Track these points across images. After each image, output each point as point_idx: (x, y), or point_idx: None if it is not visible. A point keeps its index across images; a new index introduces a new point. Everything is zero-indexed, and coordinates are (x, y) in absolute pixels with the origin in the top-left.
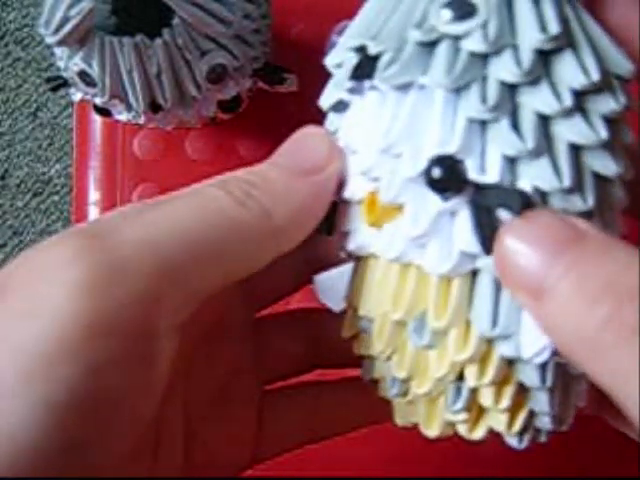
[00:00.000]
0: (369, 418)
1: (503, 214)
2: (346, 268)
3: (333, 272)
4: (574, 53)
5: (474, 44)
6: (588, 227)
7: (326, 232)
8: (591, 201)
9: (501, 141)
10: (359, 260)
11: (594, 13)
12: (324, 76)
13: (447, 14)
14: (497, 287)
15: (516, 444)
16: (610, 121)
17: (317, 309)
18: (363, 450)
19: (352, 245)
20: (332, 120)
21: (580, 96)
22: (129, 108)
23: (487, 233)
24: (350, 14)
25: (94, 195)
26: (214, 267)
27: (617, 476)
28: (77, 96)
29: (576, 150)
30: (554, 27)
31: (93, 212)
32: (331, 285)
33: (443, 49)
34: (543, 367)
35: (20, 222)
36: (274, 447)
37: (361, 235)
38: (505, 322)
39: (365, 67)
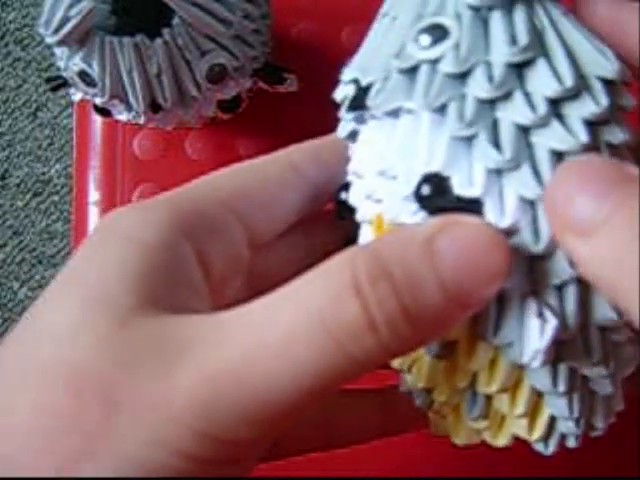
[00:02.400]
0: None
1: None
2: None
3: None
4: (547, 61)
5: (447, 66)
6: (636, 170)
7: None
8: None
9: (482, 155)
10: None
11: (580, 16)
12: (324, 76)
13: (425, 40)
14: (500, 295)
15: (542, 449)
16: (593, 124)
17: None
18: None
19: None
20: (350, 149)
21: (556, 103)
22: (129, 108)
23: None
24: (350, 14)
25: (94, 195)
26: None
27: (617, 476)
28: (77, 96)
29: (558, 156)
30: (523, 39)
31: (93, 212)
32: None
33: (422, 73)
34: (554, 371)
35: (20, 222)
36: (290, 447)
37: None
38: (507, 330)
39: (359, 98)
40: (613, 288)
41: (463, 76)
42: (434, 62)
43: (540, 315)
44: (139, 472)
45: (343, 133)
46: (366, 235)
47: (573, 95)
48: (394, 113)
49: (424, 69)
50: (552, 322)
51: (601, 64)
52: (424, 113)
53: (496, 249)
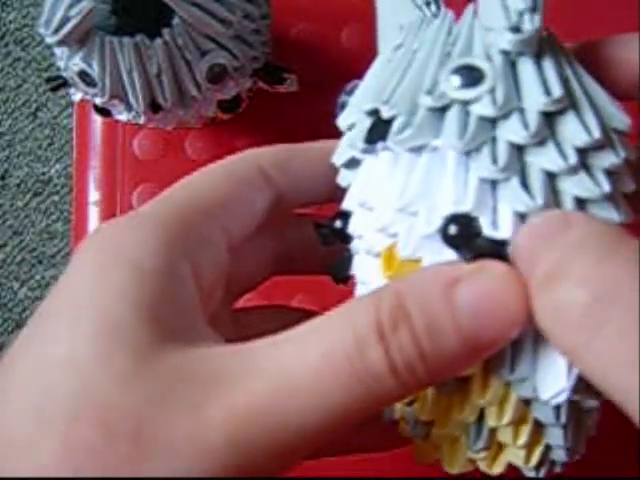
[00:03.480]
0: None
1: None
2: None
3: None
4: (576, 113)
5: (484, 109)
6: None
7: (340, 281)
8: None
9: (512, 199)
10: None
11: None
12: (324, 76)
13: (456, 80)
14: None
15: (534, 475)
16: (611, 173)
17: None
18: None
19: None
20: (344, 175)
21: (583, 153)
22: (129, 108)
23: None
24: (350, 14)
25: (94, 195)
26: None
27: (617, 476)
28: (77, 96)
29: (581, 203)
30: (557, 90)
31: (93, 212)
32: None
33: (454, 113)
34: (558, 405)
35: (20, 222)
36: None
37: (378, 286)
38: (522, 366)
39: (379, 130)
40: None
41: (495, 120)
42: (466, 103)
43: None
44: None
45: (340, 160)
46: (373, 267)
47: (599, 146)
48: (415, 149)
49: (455, 109)
50: None
51: (616, 116)
52: (450, 152)
53: (514, 299)
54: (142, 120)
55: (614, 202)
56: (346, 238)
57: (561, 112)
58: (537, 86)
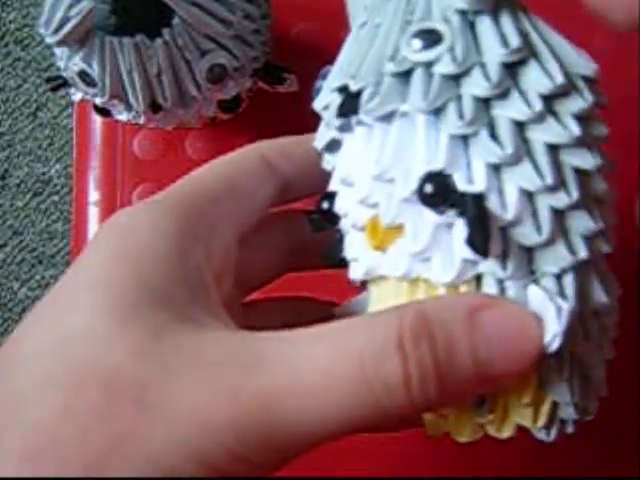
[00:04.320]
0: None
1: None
2: (362, 296)
3: (351, 302)
4: (537, 62)
5: (445, 67)
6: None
7: (332, 263)
8: (575, 195)
9: (483, 151)
10: (370, 285)
11: None
12: None
13: (417, 44)
14: (501, 288)
15: (545, 437)
16: (581, 119)
17: (295, 211)
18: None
19: (361, 271)
20: (328, 160)
21: (549, 100)
22: (129, 108)
23: (480, 239)
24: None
25: (94, 195)
26: None
27: (617, 476)
28: (77, 96)
29: (554, 149)
30: (515, 41)
31: (93, 212)
32: (352, 314)
33: (418, 76)
34: (559, 358)
35: (20, 222)
36: None
37: (368, 260)
38: None
39: (349, 104)
40: None
41: (458, 77)
42: (428, 65)
43: (551, 300)
44: (164, 475)
45: (321, 143)
46: (360, 241)
47: (564, 92)
48: (386, 118)
49: (419, 72)
50: (567, 305)
51: (582, 64)
52: (419, 115)
53: (529, 338)
54: (142, 120)
55: (587, 146)
56: (334, 219)
57: (522, 62)
58: (495, 40)
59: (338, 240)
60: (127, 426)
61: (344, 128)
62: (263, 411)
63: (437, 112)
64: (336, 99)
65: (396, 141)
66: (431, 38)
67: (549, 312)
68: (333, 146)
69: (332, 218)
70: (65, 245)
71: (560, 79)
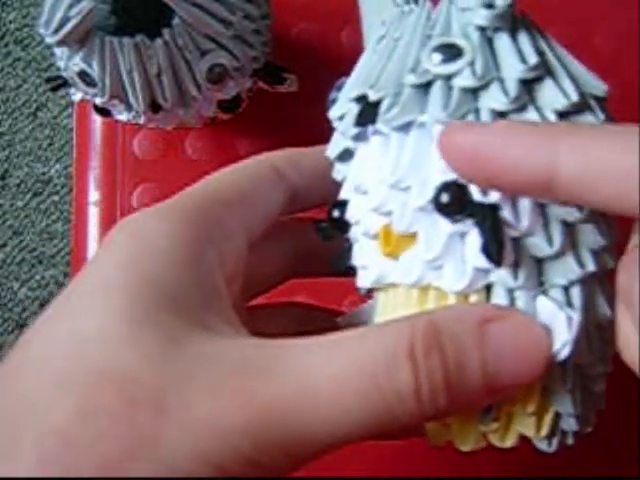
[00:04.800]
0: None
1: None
2: (367, 305)
3: (356, 311)
4: (553, 80)
5: (465, 80)
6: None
7: (341, 271)
8: (586, 209)
9: None
10: (379, 292)
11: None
12: (324, 76)
13: (437, 57)
14: (511, 297)
15: (546, 448)
16: None
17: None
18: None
19: (370, 279)
20: (339, 169)
21: (564, 116)
22: (129, 108)
23: (495, 248)
24: (350, 14)
25: (94, 195)
26: None
27: (617, 476)
28: (77, 96)
29: None
30: (533, 58)
31: (93, 212)
32: (357, 323)
33: (437, 88)
34: (563, 369)
35: (20, 222)
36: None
37: (378, 267)
38: None
39: (367, 113)
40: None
41: (476, 91)
42: (448, 78)
43: (561, 309)
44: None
45: (334, 153)
46: (371, 249)
47: (578, 110)
48: (403, 128)
49: (439, 84)
50: (576, 315)
51: (594, 84)
52: (436, 126)
53: (538, 351)
54: (142, 120)
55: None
56: (345, 227)
57: (539, 79)
58: (514, 56)
59: (347, 248)
60: (143, 430)
61: (359, 137)
62: (277, 416)
63: None
64: (353, 108)
65: (413, 151)
66: (451, 52)
67: (559, 321)
68: (345, 155)
69: (342, 226)
70: (65, 245)
71: (575, 97)
